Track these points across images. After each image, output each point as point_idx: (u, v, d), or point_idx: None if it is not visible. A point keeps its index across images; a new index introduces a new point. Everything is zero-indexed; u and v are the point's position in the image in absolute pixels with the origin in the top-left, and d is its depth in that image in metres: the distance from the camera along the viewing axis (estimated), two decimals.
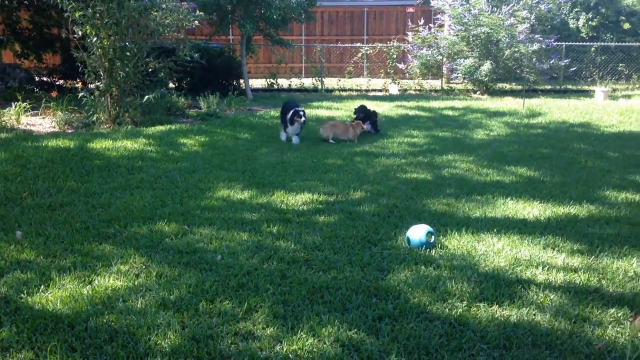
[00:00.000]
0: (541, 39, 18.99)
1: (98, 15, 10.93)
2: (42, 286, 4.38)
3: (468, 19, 18.98)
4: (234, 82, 17.96)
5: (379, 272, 4.75)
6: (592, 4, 23.08)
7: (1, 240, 5.27)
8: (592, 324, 3.91)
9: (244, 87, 17.82)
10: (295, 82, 21.59)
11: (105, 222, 5.86)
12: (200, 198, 6.85)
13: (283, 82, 21.32)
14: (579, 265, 4.92)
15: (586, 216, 6.25)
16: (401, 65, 21.26)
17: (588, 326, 3.89)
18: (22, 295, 4.24)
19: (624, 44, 21.44)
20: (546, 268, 4.82)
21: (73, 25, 11.14)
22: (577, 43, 21.67)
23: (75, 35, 11.40)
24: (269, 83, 20.95)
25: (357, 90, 20.62)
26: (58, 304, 4.09)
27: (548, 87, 20.39)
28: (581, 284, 4.54)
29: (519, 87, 19.63)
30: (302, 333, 3.76)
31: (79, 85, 13.31)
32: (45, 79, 19.08)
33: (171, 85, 16.65)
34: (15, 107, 11.48)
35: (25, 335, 3.67)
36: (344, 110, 14.70)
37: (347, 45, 23.38)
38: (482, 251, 5.19)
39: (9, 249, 5.07)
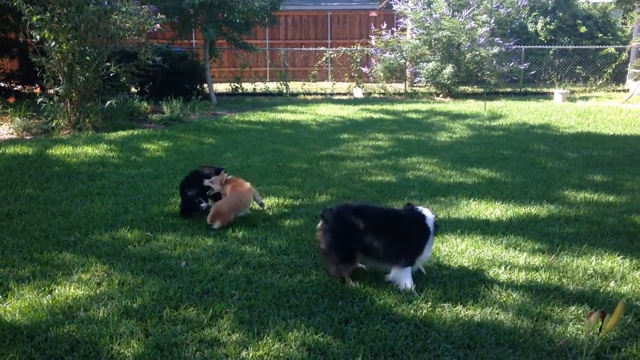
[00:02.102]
0: (501, 42, 19.35)
1: (56, 19, 10.70)
2: (0, 297, 4.26)
3: (430, 23, 19.22)
4: (198, 87, 17.79)
5: None
6: (549, 8, 23.64)
7: None
8: (554, 322, 4.00)
9: (207, 92, 17.67)
10: (259, 86, 21.50)
11: (66, 230, 5.73)
12: (164, 204, 6.76)
13: (248, 86, 21.22)
14: (540, 264, 5.02)
15: (546, 216, 6.39)
16: (365, 69, 21.40)
17: (549, 324, 3.97)
18: None
19: (581, 47, 22.02)
20: (508, 267, 4.91)
21: (31, 29, 10.88)
22: (536, 46, 22.16)
23: (33, 40, 11.15)
24: (234, 87, 20.83)
25: (322, 94, 20.66)
26: (17, 315, 3.98)
27: (509, 89, 20.79)
28: (542, 282, 4.64)
29: (481, 90, 19.96)
30: (268, 338, 3.74)
31: (38, 90, 12.99)
32: (2, 84, 18.57)
33: (133, 89, 16.40)
34: None
35: None
36: (309, 114, 14.71)
37: (311, 49, 23.42)
38: (446, 252, 5.26)
39: None
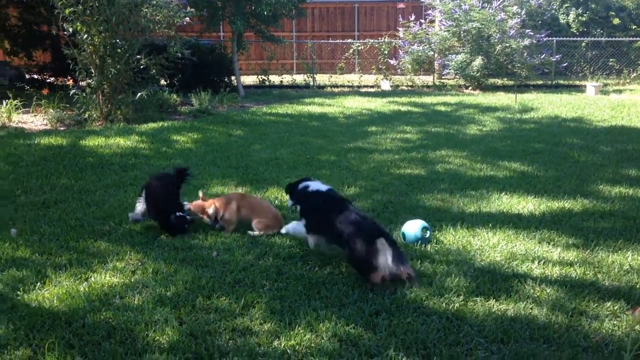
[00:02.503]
0: (532, 34, 19.04)
1: (88, 11, 10.85)
2: (38, 283, 4.37)
3: (459, 14, 18.99)
4: (226, 79, 17.88)
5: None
6: (581, 0, 23.18)
7: None
8: (589, 318, 3.94)
9: (235, 84, 17.76)
10: (286, 79, 21.53)
11: (100, 219, 5.84)
12: (195, 195, 6.81)
13: (275, 79, 21.27)
14: (575, 259, 4.94)
15: (580, 210, 6.29)
16: (393, 61, 21.26)
17: (585, 319, 3.91)
18: (19, 292, 4.22)
19: (614, 39, 21.54)
20: (542, 262, 4.84)
21: (63, 22, 11.06)
22: (567, 38, 21.75)
23: (66, 32, 11.33)
24: (261, 80, 20.89)
25: (349, 87, 20.60)
26: (55, 301, 4.07)
27: (540, 82, 20.46)
28: (577, 277, 4.57)
29: (511, 83, 19.67)
30: (299, 328, 3.76)
31: (70, 82, 13.20)
32: (35, 76, 18.93)
33: (163, 82, 16.57)
34: (6, 104, 11.39)
35: (23, 333, 3.65)
36: (337, 107, 14.69)
37: (338, 41, 23.35)
38: (478, 246, 5.21)
39: (3, 247, 5.05)
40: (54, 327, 3.73)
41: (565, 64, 21.29)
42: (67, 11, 10.75)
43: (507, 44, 18.66)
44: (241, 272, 4.64)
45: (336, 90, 19.85)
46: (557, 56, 20.09)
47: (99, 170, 7.87)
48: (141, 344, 3.55)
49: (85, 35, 10.97)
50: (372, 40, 22.07)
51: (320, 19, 26.62)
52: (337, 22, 26.71)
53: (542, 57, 19.31)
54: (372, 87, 20.59)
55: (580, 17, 23.02)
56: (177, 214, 5.46)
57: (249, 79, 21.11)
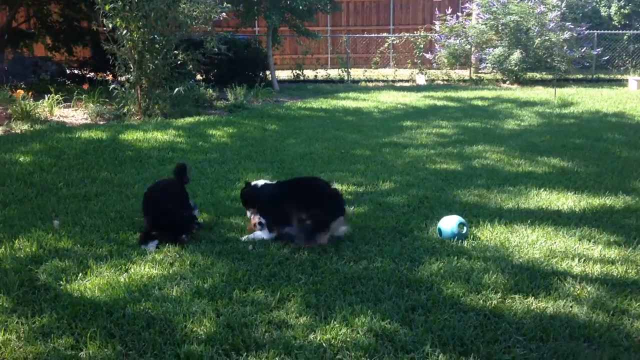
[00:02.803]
0: (572, 27, 18.62)
1: (128, 7, 11.04)
2: (80, 274, 4.47)
3: (497, 7, 18.69)
4: (261, 74, 18.01)
5: (410, 263, 4.73)
6: None
7: (39, 229, 5.39)
8: (631, 317, 3.84)
9: (270, 79, 17.86)
10: (321, 73, 21.54)
11: (139, 212, 5.92)
12: (230, 188, 6.90)
13: (309, 73, 21.31)
14: (616, 257, 4.83)
15: (622, 207, 6.13)
16: (428, 55, 21.07)
17: (627, 319, 3.82)
18: (61, 282, 4.33)
19: None
20: (582, 260, 4.74)
21: (103, 18, 11.28)
22: (609, 31, 21.19)
23: (105, 28, 11.56)
24: (295, 74, 20.96)
25: (383, 81, 20.49)
26: (96, 291, 4.17)
27: (580, 76, 20.00)
28: (619, 276, 4.46)
29: (550, 77, 19.29)
30: (335, 322, 3.77)
31: (110, 77, 13.49)
32: (76, 71, 19.40)
33: (198, 77, 16.77)
34: (48, 99, 11.69)
35: (65, 322, 3.75)
36: (371, 101, 14.64)
37: (373, 35, 23.26)
38: (516, 242, 5.13)
39: (47, 238, 5.19)
40: (95, 317, 3.82)
41: (606, 58, 20.76)
42: (107, 7, 10.96)
43: (547, 37, 18.29)
44: (277, 265, 4.67)
45: (370, 84, 19.77)
46: (598, 49, 19.61)
47: (137, 163, 8.02)
48: (179, 335, 3.61)
49: (125, 31, 11.17)
50: (408, 34, 21.92)
51: (356, 13, 26.54)
52: (372, 16, 26.60)
53: (582, 50, 18.87)
54: (407, 81, 20.44)
55: (622, 10, 22.41)
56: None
57: (284, 74, 21.20)
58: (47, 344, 3.51)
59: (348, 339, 3.59)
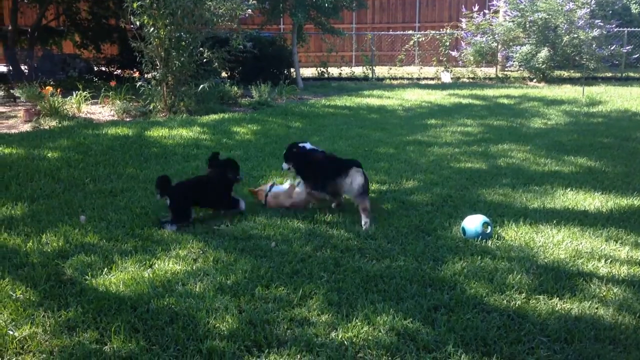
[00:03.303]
0: (602, 24, 18.29)
1: (155, 5, 11.15)
2: (106, 269, 4.54)
3: (525, 4, 18.45)
4: (285, 71, 18.05)
5: (433, 262, 4.70)
6: None
7: (66, 224, 5.48)
8: None
9: (294, 76, 17.89)
10: (345, 71, 21.52)
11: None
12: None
13: (333, 71, 21.29)
14: None
15: None
16: (454, 53, 20.90)
17: None
18: (87, 277, 4.40)
19: None
20: (609, 261, 4.66)
21: (131, 15, 11.42)
22: (639, 29, 20.75)
23: (133, 26, 11.69)
24: (320, 72, 20.96)
25: (408, 79, 20.38)
26: (121, 286, 4.23)
27: (609, 74, 19.64)
28: None
29: (578, 75, 18.98)
30: (357, 321, 3.76)
31: (136, 74, 13.67)
32: (103, 68, 19.68)
33: (224, 74, 16.87)
34: (76, 96, 11.89)
35: (90, 316, 3.81)
36: (395, 99, 14.57)
37: (398, 33, 23.13)
38: (541, 243, 5.07)
39: (73, 233, 5.27)
40: (120, 311, 3.88)
41: (636, 56, 20.34)
42: (134, 5, 11.09)
43: (575, 35, 17.99)
44: (299, 263, 4.68)
45: (395, 82, 19.68)
46: (627, 47, 19.24)
47: (162, 160, 8.10)
48: (202, 330, 3.65)
49: (152, 29, 11.29)
50: (434, 32, 21.76)
51: (381, 11, 26.46)
52: (397, 13, 26.48)
53: (612, 48, 18.53)
54: (432, 79, 20.30)
55: None
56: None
57: (308, 71, 21.22)
58: (72, 338, 3.57)
59: (369, 338, 3.58)
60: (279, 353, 3.42)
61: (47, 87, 12.10)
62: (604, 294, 4.12)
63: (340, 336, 3.60)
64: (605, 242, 5.09)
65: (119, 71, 18.94)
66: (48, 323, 3.73)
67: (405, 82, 19.77)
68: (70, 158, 7.97)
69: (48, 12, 19.21)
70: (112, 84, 13.80)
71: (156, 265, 4.61)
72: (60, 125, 10.37)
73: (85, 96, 12.07)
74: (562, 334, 3.60)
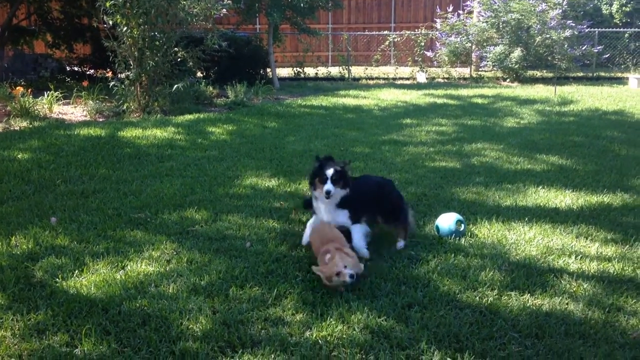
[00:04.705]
0: (573, 25, 18.60)
1: (128, 4, 11.03)
2: (77, 271, 4.47)
3: (498, 5, 18.68)
4: (261, 71, 17.99)
5: (407, 260, 4.72)
6: None
7: (36, 226, 5.39)
8: (627, 314, 3.84)
9: (270, 76, 17.84)
10: (322, 71, 21.53)
11: (137, 209, 5.94)
12: (229, 186, 6.89)
13: (310, 71, 21.29)
14: (613, 254, 4.82)
15: (620, 205, 6.13)
16: (429, 53, 21.05)
17: (622, 316, 3.82)
18: (57, 279, 4.33)
19: None
20: (579, 257, 4.74)
21: (104, 14, 11.27)
22: (610, 29, 21.15)
23: (106, 25, 11.57)
24: (296, 72, 20.95)
25: (384, 79, 20.48)
26: (92, 289, 4.17)
27: (580, 74, 19.98)
28: (615, 273, 4.46)
29: (551, 75, 19.27)
30: (331, 319, 3.77)
31: (109, 74, 13.51)
32: (76, 68, 19.40)
33: (199, 74, 16.76)
34: (48, 96, 11.69)
35: (61, 319, 3.75)
36: (371, 99, 14.62)
37: (374, 33, 23.22)
38: (513, 240, 5.13)
39: (43, 235, 5.18)
40: (91, 314, 3.82)
41: (607, 56, 20.77)
42: (107, 4, 10.96)
43: (548, 35, 18.28)
44: (274, 262, 4.66)
45: (371, 82, 19.76)
46: (598, 47, 19.60)
47: (136, 160, 8.01)
48: (175, 332, 3.61)
49: (125, 28, 11.16)
50: (409, 32, 21.89)
51: (357, 11, 26.54)
52: (373, 13, 26.59)
53: (583, 48, 18.85)
54: (407, 79, 20.43)
55: (623, 8, 22.40)
56: None
57: (284, 71, 21.19)
58: (42, 341, 3.51)
59: (344, 336, 3.59)
60: (253, 353, 3.40)
61: (17, 88, 11.89)
62: (574, 289, 4.19)
63: (314, 335, 3.60)
64: (575, 238, 5.18)
65: (92, 71, 18.69)
66: (17, 326, 3.66)
67: (381, 82, 19.86)
68: (41, 159, 7.84)
69: (19, 12, 18.85)
70: (85, 84, 13.60)
71: (128, 267, 4.55)
72: (31, 125, 10.19)
73: (57, 96, 11.87)
74: (533, 330, 3.65)
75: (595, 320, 3.77)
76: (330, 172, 4.63)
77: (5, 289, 4.15)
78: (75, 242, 5.05)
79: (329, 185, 4.62)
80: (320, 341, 3.53)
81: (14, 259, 4.67)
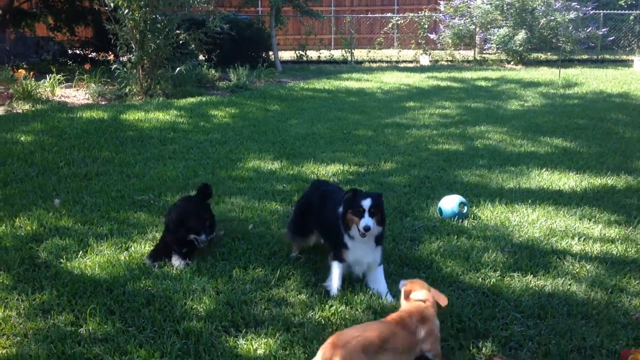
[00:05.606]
0: (578, 7, 18.41)
1: None
2: (81, 252, 4.49)
3: None
4: (263, 54, 17.89)
5: (410, 242, 4.74)
6: None
7: (40, 208, 5.41)
8: (630, 294, 3.85)
9: (273, 59, 17.75)
10: (324, 54, 21.41)
11: (140, 191, 5.95)
12: (232, 168, 6.90)
13: (312, 54, 21.17)
14: (616, 236, 4.82)
15: (624, 187, 6.11)
16: (433, 36, 20.90)
17: (625, 296, 3.83)
18: (62, 260, 4.35)
19: None
20: (582, 239, 4.74)
21: None
22: (615, 11, 20.93)
23: (107, 8, 11.45)
24: (298, 55, 20.83)
25: (387, 62, 20.36)
26: (96, 269, 4.19)
27: (585, 56, 19.83)
28: (618, 254, 4.46)
29: (555, 57, 19.13)
30: (334, 300, 3.78)
31: (111, 57, 13.42)
32: (78, 51, 19.30)
33: (201, 57, 16.67)
34: (50, 79, 11.65)
35: (65, 299, 3.77)
36: (374, 82, 14.55)
37: (377, 15, 23.04)
38: (516, 222, 5.13)
39: (47, 216, 5.20)
40: (95, 294, 3.85)
41: (612, 38, 20.56)
42: None
43: (552, 17, 18.09)
44: (277, 244, 4.67)
45: (374, 65, 19.65)
46: (603, 30, 19.41)
47: (138, 143, 8.01)
48: (179, 312, 3.63)
49: (126, 10, 11.07)
50: (412, 14, 21.70)
51: None
52: None
53: (588, 30, 18.67)
54: (410, 62, 20.30)
55: None
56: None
57: (287, 54, 21.07)
58: (47, 321, 3.53)
59: (347, 317, 3.61)
60: (257, 332, 3.43)
61: (20, 70, 11.84)
62: (577, 270, 4.19)
63: (317, 315, 3.62)
64: (579, 220, 5.17)
65: (94, 54, 18.58)
66: (22, 306, 3.69)
67: (384, 65, 19.75)
68: (44, 142, 7.84)
69: None
70: (87, 67, 13.55)
71: (132, 248, 4.57)
72: (33, 108, 10.17)
73: (59, 79, 11.83)
74: (536, 310, 3.66)
75: (598, 300, 3.77)
76: (367, 203, 3.77)
77: (10, 270, 4.18)
78: (79, 224, 5.06)
79: (367, 220, 3.74)
80: (323, 321, 3.55)
81: (19, 240, 4.69)
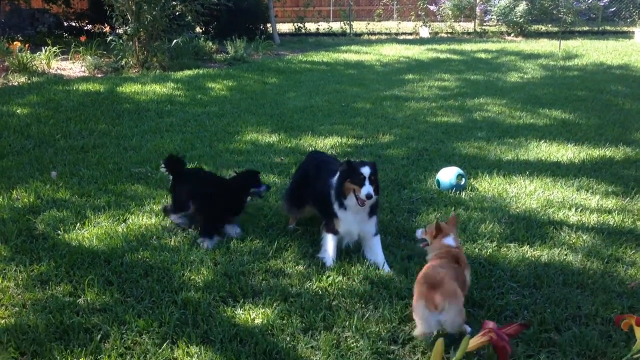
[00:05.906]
0: None
1: None
2: (78, 224, 4.50)
3: None
4: (261, 26, 17.70)
5: (408, 214, 4.74)
6: None
7: (37, 180, 5.40)
8: (625, 264, 3.87)
9: (271, 32, 17.56)
10: (323, 26, 21.16)
11: (137, 164, 5.94)
12: (230, 141, 6.87)
13: (311, 26, 20.92)
14: (613, 206, 4.83)
15: (622, 158, 6.11)
16: (432, 7, 20.65)
17: (621, 266, 3.85)
18: (59, 232, 4.36)
19: None
20: (579, 210, 4.75)
21: None
22: None
23: None
24: (297, 27, 20.59)
25: (386, 34, 20.15)
26: (94, 241, 4.20)
27: (585, 28, 19.63)
28: (615, 225, 4.48)
29: (555, 29, 18.94)
30: (331, 271, 3.80)
31: (107, 29, 13.27)
32: (73, 23, 19.06)
33: (198, 29, 16.48)
34: (46, 51, 11.53)
35: (63, 270, 3.78)
36: (373, 55, 14.42)
37: None
38: (514, 193, 5.13)
39: (44, 189, 5.19)
40: (93, 265, 3.86)
41: (613, 9, 20.34)
42: None
43: None
44: (275, 216, 4.68)
45: (373, 37, 19.45)
46: (604, 1, 19.16)
47: (135, 116, 7.96)
48: (177, 283, 3.65)
49: None
50: None
51: None
52: None
53: (589, 1, 18.47)
54: (410, 34, 20.11)
55: None
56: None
57: (285, 27, 20.82)
58: (45, 291, 3.55)
59: (344, 287, 3.63)
60: (254, 302, 3.45)
61: (15, 43, 11.71)
62: (573, 241, 4.21)
63: (315, 286, 3.64)
64: (576, 191, 5.18)
65: (90, 26, 18.36)
66: (20, 277, 3.70)
67: (384, 37, 19.55)
68: (40, 114, 7.79)
69: None
70: (83, 39, 13.38)
71: (130, 220, 4.57)
72: (29, 81, 10.09)
73: (54, 52, 11.70)
74: (532, 280, 3.68)
75: (594, 270, 3.80)
76: (367, 170, 3.73)
77: (8, 241, 4.18)
78: (76, 196, 5.06)
79: (368, 188, 3.70)
80: (320, 292, 3.57)
81: (16, 212, 4.69)
